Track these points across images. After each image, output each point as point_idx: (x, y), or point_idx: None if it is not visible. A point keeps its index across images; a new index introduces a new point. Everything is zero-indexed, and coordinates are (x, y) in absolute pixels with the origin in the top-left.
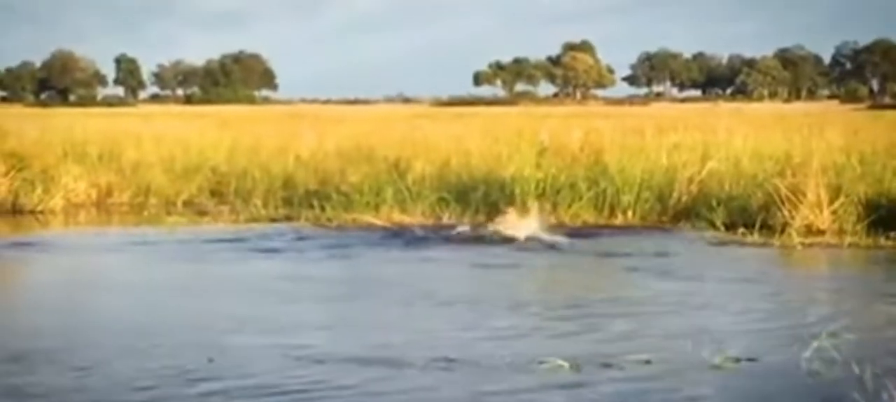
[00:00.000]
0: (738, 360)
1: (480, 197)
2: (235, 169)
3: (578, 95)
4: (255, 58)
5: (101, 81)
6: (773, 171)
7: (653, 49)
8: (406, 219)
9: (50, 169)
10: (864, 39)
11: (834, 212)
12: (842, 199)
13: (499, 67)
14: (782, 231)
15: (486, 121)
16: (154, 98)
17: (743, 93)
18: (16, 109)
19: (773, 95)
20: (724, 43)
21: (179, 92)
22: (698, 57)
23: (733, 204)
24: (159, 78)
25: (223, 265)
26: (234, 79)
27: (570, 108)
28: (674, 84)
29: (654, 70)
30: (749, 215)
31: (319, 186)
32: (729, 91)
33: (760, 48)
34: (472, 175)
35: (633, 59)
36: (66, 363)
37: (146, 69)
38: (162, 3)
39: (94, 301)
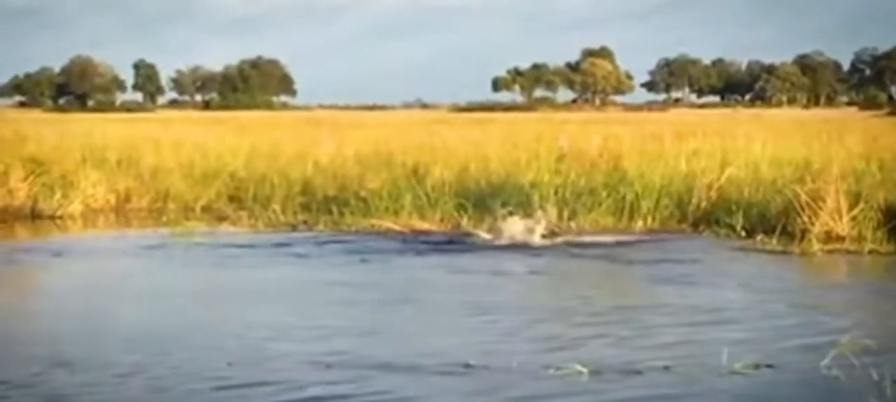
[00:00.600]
0: (757, 366)
1: (499, 203)
2: (254, 175)
3: (597, 101)
4: (274, 63)
5: (120, 86)
6: (793, 177)
7: (672, 55)
8: (425, 225)
9: (69, 174)
10: (883, 46)
11: (853, 218)
12: (861, 205)
13: (517, 73)
14: (802, 238)
15: (504, 127)
16: (172, 104)
17: (762, 99)
18: (35, 115)
19: (791, 102)
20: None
21: (198, 98)
22: (717, 63)
23: (752, 210)
24: (178, 84)
25: (246, 270)
26: (252, 85)
27: (589, 114)
28: (692, 90)
29: (672, 76)
30: (768, 222)
31: (338, 191)
32: (748, 97)
33: (779, 54)
34: (491, 181)
35: (652, 65)
36: (107, 368)
37: (165, 75)
38: (181, 8)
39: (121, 307)
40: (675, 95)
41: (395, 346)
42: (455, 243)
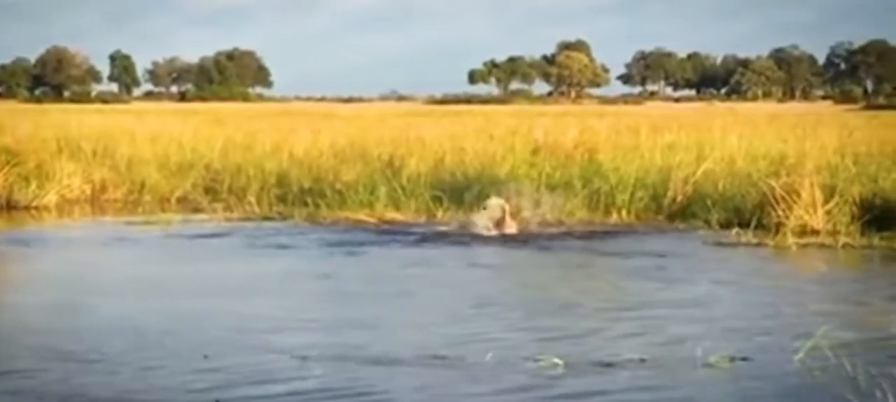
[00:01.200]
0: (732, 359)
1: (475, 195)
2: (229, 166)
3: (573, 93)
4: (250, 55)
5: (96, 77)
6: (768, 171)
7: (648, 48)
8: (400, 216)
9: (44, 165)
10: (858, 40)
11: (828, 212)
12: (836, 199)
13: (493, 66)
14: (777, 231)
15: (480, 119)
16: (148, 95)
17: (737, 93)
18: (10, 105)
19: (767, 95)
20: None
21: (174, 89)
22: (693, 56)
23: (728, 204)
24: (154, 75)
25: (221, 262)
26: (228, 76)
27: (565, 106)
28: (668, 83)
29: (648, 69)
30: (743, 215)
31: (313, 183)
32: (723, 91)
33: (755, 48)
34: (467, 173)
35: (628, 58)
36: (79, 359)
37: (141, 66)
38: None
39: (95, 298)
40: (650, 88)
41: (369, 338)
42: (429, 234)
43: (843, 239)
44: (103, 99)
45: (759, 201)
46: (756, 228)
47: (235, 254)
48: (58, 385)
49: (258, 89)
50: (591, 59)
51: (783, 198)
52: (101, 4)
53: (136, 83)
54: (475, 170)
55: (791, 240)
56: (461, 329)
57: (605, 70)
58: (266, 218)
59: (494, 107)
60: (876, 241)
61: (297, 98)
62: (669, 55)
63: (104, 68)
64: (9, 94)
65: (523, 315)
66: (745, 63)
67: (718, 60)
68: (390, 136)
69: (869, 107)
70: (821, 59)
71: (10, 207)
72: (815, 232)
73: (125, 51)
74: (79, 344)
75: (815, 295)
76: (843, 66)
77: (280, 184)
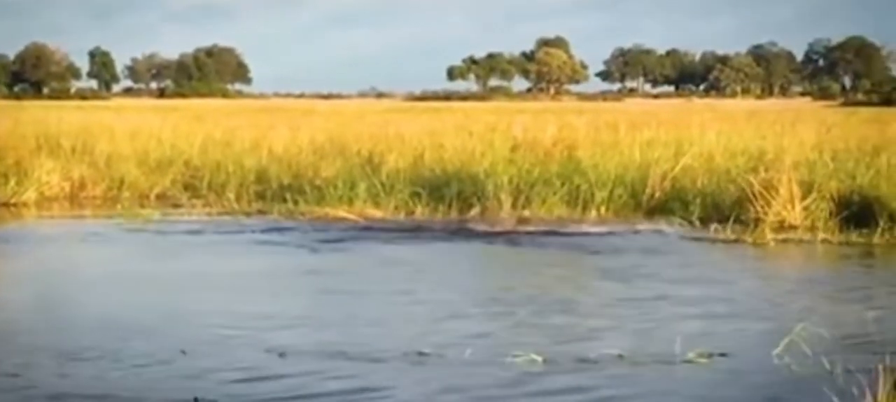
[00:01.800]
0: (710, 355)
1: (454, 192)
2: (209, 163)
3: (552, 90)
4: (229, 52)
5: (75, 74)
6: (747, 167)
7: (627, 45)
8: (379, 213)
9: (23, 161)
10: (836, 37)
11: (806, 208)
12: (814, 195)
13: (473, 62)
14: (755, 227)
15: (459, 116)
16: (128, 91)
17: (716, 89)
18: None
19: (745, 92)
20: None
21: (153, 85)
22: (672, 53)
23: (707, 200)
24: (133, 71)
25: (200, 258)
26: (207, 73)
27: (544, 103)
28: (647, 80)
29: (627, 66)
30: (722, 211)
31: (293, 180)
32: (702, 87)
33: (734, 45)
34: (446, 170)
35: (607, 54)
36: (58, 354)
37: (120, 62)
38: None
39: (74, 294)
40: (629, 84)
41: (348, 335)
42: (408, 231)
43: (821, 235)
44: (83, 95)
45: (737, 197)
46: (735, 223)
47: (215, 251)
48: (38, 382)
49: (238, 86)
50: (570, 56)
51: (761, 194)
52: (81, 1)
53: (116, 80)
54: (454, 167)
55: (769, 236)
56: (441, 326)
57: (584, 67)
58: (246, 214)
59: (473, 104)
60: (854, 237)
61: (277, 95)
62: (648, 52)
63: (83, 65)
64: None
65: (501, 312)
66: (723, 60)
67: (697, 57)
68: (369, 132)
69: (847, 103)
70: (799, 56)
71: None
72: (794, 228)
73: (104, 47)
74: (59, 341)
75: (793, 291)
76: (821, 62)
77: (259, 180)
